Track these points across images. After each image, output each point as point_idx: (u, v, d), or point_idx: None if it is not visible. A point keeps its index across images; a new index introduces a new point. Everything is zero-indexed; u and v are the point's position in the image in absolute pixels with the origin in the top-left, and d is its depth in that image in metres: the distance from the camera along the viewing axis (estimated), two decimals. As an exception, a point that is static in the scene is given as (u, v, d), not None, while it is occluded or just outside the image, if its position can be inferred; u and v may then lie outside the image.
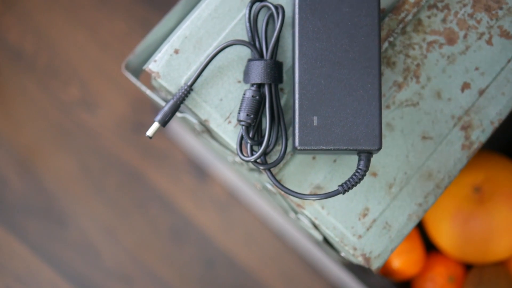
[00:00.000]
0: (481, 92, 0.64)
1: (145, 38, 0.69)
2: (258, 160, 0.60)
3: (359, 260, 0.63)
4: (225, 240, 1.20)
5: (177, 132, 1.18)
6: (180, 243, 1.19)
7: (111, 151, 1.19)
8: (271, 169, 0.60)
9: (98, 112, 1.19)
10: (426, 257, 0.83)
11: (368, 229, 0.63)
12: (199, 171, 1.21)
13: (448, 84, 0.64)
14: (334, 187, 0.62)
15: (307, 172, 0.62)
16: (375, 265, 0.63)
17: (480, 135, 0.64)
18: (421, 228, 0.85)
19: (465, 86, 0.64)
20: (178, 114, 0.65)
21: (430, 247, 0.86)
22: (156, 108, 1.08)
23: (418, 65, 0.64)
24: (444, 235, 0.79)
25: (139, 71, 0.70)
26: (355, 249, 0.63)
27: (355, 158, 0.63)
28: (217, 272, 1.20)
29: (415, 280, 0.84)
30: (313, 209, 0.63)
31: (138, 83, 0.67)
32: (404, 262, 0.80)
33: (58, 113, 1.18)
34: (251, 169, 0.70)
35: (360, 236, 0.63)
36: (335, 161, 0.63)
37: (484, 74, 0.64)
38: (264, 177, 0.66)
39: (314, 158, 0.63)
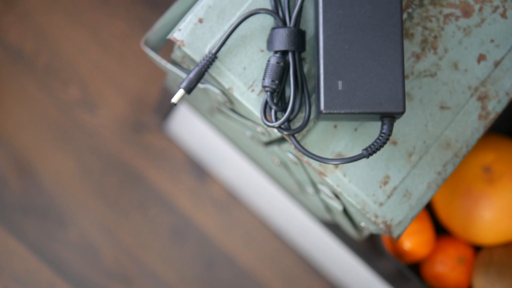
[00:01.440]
0: (497, 64, 0.66)
1: (163, 16, 0.70)
2: (283, 126, 0.61)
3: (380, 228, 0.64)
4: (225, 240, 1.21)
5: (177, 132, 1.19)
6: (180, 243, 1.19)
7: (111, 151, 1.19)
8: (295, 136, 0.61)
9: (98, 112, 1.19)
10: (436, 239, 0.84)
11: (389, 197, 0.64)
12: (199, 171, 1.21)
13: (465, 55, 0.65)
14: (355, 153, 0.63)
15: (329, 140, 0.63)
16: (396, 232, 0.64)
17: (496, 106, 0.66)
18: (430, 210, 0.86)
19: (481, 57, 0.66)
20: (200, 85, 0.65)
21: (439, 231, 0.87)
22: (160, 103, 1.09)
23: (435, 37, 0.65)
24: (454, 216, 0.80)
25: (157, 48, 0.71)
26: (376, 216, 0.64)
27: (375, 127, 0.64)
28: (217, 272, 1.20)
29: (424, 263, 0.84)
30: (335, 177, 0.63)
31: (158, 58, 0.68)
32: (415, 243, 0.81)
33: (58, 113, 1.18)
34: (269, 144, 0.70)
35: (381, 204, 0.64)
36: (356, 129, 0.64)
37: (499, 46, 0.66)
38: (284, 149, 0.66)
39: (335, 126, 0.63)
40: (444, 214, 0.82)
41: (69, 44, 1.20)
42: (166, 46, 0.75)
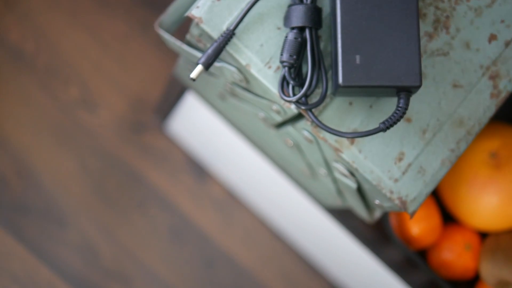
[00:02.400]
0: (507, 44, 0.67)
1: (177, -1, 0.71)
2: (300, 101, 0.61)
3: (395, 204, 0.64)
4: (224, 240, 1.21)
5: (176, 132, 1.19)
6: (179, 243, 1.19)
7: (111, 151, 1.19)
8: (312, 110, 0.62)
9: (98, 112, 1.20)
10: (442, 226, 0.84)
11: (403, 173, 0.65)
12: (199, 171, 1.21)
13: (476, 35, 0.67)
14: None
15: (344, 117, 0.64)
16: (411, 208, 0.64)
17: (507, 85, 0.67)
18: (436, 198, 0.87)
19: (492, 37, 0.67)
20: (216, 64, 0.66)
21: (445, 219, 0.88)
22: (160, 103, 1.09)
23: (447, 17, 0.66)
24: (460, 202, 0.81)
25: (171, 31, 0.72)
26: (391, 192, 0.64)
27: (390, 104, 0.65)
28: (216, 271, 1.20)
29: (431, 250, 0.85)
30: (350, 153, 0.64)
31: (173, 39, 0.68)
32: (423, 229, 0.81)
33: (58, 113, 1.18)
34: (282, 125, 0.71)
35: (396, 180, 0.64)
36: (371, 106, 0.65)
37: (509, 27, 0.67)
38: (299, 128, 0.67)
39: (350, 103, 0.64)
40: (451, 200, 0.82)
41: (69, 45, 1.20)
42: (178, 31, 0.76)
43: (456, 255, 0.83)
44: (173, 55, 1.21)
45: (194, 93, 0.87)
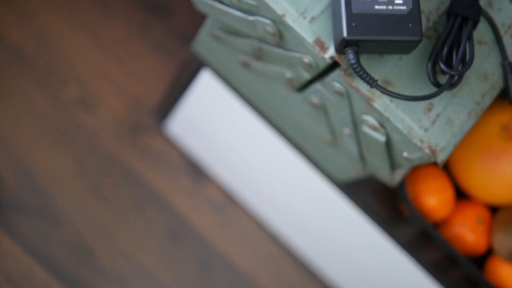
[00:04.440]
0: (527, 5, 0.70)
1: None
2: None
3: (426, 153, 0.66)
4: (221, 242, 1.20)
5: (174, 133, 1.19)
6: (176, 245, 1.19)
7: (108, 152, 1.19)
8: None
9: (96, 113, 1.20)
10: (455, 200, 0.86)
11: (433, 123, 0.66)
12: (196, 173, 1.21)
13: (498, -5, 0.70)
14: (402, 82, 0.66)
15: (376, 67, 0.66)
16: (440, 157, 0.66)
17: (528, 43, 0.70)
18: (449, 174, 0.89)
19: (513, -2, 0.70)
20: (249, 17, 0.67)
21: (457, 196, 0.89)
22: (159, 103, 1.10)
23: (471, -23, 0.69)
24: (473, 175, 0.83)
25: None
26: (422, 141, 0.66)
27: (418, 57, 0.67)
28: (213, 273, 1.19)
29: (443, 225, 0.86)
30: (382, 102, 0.66)
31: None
32: (438, 201, 0.83)
33: (57, 112, 1.18)
34: (307, 85, 0.73)
35: (426, 129, 0.66)
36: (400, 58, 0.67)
37: (529, -11, 0.70)
38: (328, 82, 0.69)
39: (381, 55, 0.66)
40: (464, 174, 0.84)
41: (68, 45, 1.21)
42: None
43: (468, 229, 0.84)
44: (173, 57, 1.23)
45: (212, 69, 0.88)
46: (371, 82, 0.63)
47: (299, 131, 0.85)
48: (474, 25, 0.66)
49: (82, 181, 1.17)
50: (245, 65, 0.79)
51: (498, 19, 0.69)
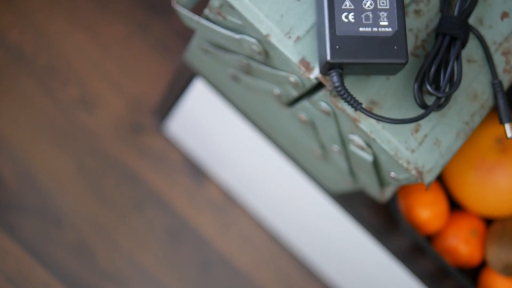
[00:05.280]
0: (519, 21, 0.69)
1: (193, -24, 0.72)
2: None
3: (412, 174, 0.65)
4: (221, 242, 1.20)
5: (175, 133, 1.19)
6: (176, 245, 1.19)
7: (108, 152, 1.19)
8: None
9: (96, 113, 1.20)
10: (449, 212, 0.85)
11: (420, 144, 0.65)
12: (196, 173, 1.21)
13: (489, 12, 0.68)
14: (388, 102, 0.65)
15: (362, 87, 0.65)
16: (427, 179, 0.65)
17: (519, 61, 0.68)
18: (443, 185, 0.88)
19: (504, 15, 0.69)
20: (235, 36, 0.67)
21: (451, 207, 0.88)
22: (159, 104, 1.09)
23: (461, -6, 0.68)
24: (467, 187, 0.82)
25: (188, 7, 0.72)
26: (408, 162, 0.65)
27: (406, 77, 0.66)
28: (213, 273, 1.19)
29: (437, 237, 0.86)
30: (368, 123, 0.65)
31: (190, 14, 0.69)
32: (431, 214, 0.82)
33: (56, 112, 1.18)
34: (296, 101, 0.72)
35: (413, 150, 0.65)
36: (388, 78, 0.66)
37: (521, 5, 0.69)
38: (315, 100, 0.68)
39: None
40: (457, 186, 0.83)
41: (68, 45, 1.20)
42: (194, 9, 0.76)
43: (462, 241, 0.84)
44: (173, 56, 1.22)
45: (204, 79, 0.87)
46: (356, 105, 0.62)
47: (291, 142, 0.84)
48: (463, 45, 0.65)
49: (82, 181, 1.18)
50: (235, 78, 0.78)
51: (488, 36, 0.68)
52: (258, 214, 1.21)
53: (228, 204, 1.21)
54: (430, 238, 0.88)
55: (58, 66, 1.19)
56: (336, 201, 0.89)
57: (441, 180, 0.87)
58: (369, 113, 0.62)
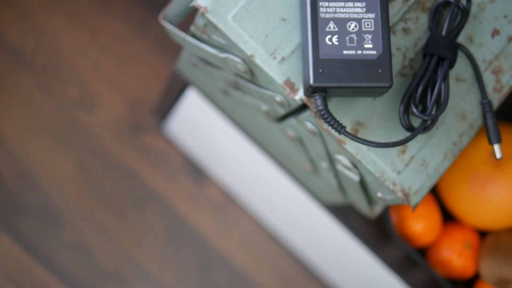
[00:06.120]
0: (510, 39, 0.67)
1: (181, -9, 0.71)
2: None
3: (398, 196, 0.64)
4: (221, 242, 1.20)
5: (175, 133, 1.19)
6: (176, 245, 1.19)
7: (108, 152, 1.19)
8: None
9: (96, 113, 1.20)
10: (442, 224, 0.84)
11: (406, 165, 0.65)
12: (196, 173, 1.21)
13: (479, 29, 0.67)
14: (374, 123, 0.64)
15: (347, 108, 0.64)
16: (413, 201, 0.64)
17: (509, 79, 0.67)
18: (436, 197, 0.87)
19: (495, 32, 0.67)
20: (220, 55, 0.66)
21: (445, 217, 0.88)
22: (159, 104, 1.09)
23: (451, 11, 0.67)
24: (461, 200, 0.81)
25: (175, 23, 0.72)
26: (394, 184, 0.64)
27: (393, 97, 0.65)
28: (213, 273, 1.19)
29: (430, 248, 0.85)
30: (354, 145, 0.64)
31: (176, 30, 0.68)
32: (424, 227, 0.81)
33: (56, 112, 1.18)
34: (284, 118, 0.71)
35: (399, 172, 0.64)
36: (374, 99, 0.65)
37: (512, 22, 0.67)
38: (302, 119, 0.67)
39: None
40: (451, 199, 0.83)
41: (68, 44, 1.20)
42: (182, 24, 0.76)
43: (455, 254, 0.83)
44: (173, 56, 1.21)
45: (196, 89, 0.87)
46: (339, 128, 0.61)
47: (282, 155, 0.84)
48: (451, 65, 0.64)
49: (81, 181, 1.18)
50: (225, 92, 0.77)
51: (478, 55, 0.67)
52: (258, 214, 1.21)
53: (228, 204, 1.21)
54: (424, 249, 0.87)
55: (58, 65, 1.19)
56: (329, 211, 0.88)
57: (434, 192, 0.86)
58: (353, 136, 0.61)
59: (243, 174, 1.14)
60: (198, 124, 1.11)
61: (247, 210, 1.21)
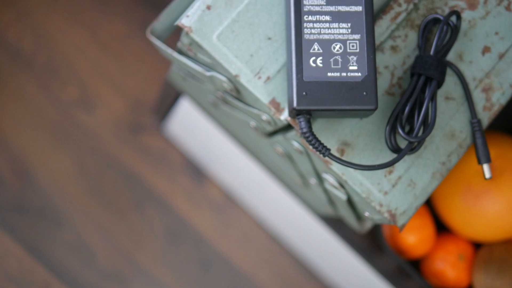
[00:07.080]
0: (501, 56, 0.66)
1: (169, 5, 0.71)
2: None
3: (385, 217, 0.64)
4: (221, 242, 1.20)
5: (175, 133, 1.19)
6: (176, 245, 1.19)
7: (108, 152, 1.19)
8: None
9: (96, 113, 1.19)
10: (436, 236, 0.84)
11: (393, 186, 0.64)
12: (196, 173, 1.21)
13: (469, 47, 0.66)
14: (361, 143, 0.63)
15: (335, 128, 0.64)
16: (400, 221, 0.64)
17: (500, 97, 0.66)
18: (430, 207, 0.86)
19: (486, 49, 0.66)
20: (207, 73, 0.65)
21: (439, 228, 0.87)
22: (159, 104, 1.09)
23: (441, 28, 0.65)
24: (455, 212, 0.81)
25: (163, 38, 0.71)
26: (381, 205, 0.64)
27: (380, 117, 0.64)
28: (213, 273, 1.19)
29: (424, 260, 0.85)
30: (340, 165, 0.63)
31: (163, 46, 0.68)
32: (417, 239, 0.81)
33: (56, 112, 1.18)
34: (273, 134, 0.71)
35: (386, 193, 0.64)
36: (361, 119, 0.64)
37: (503, 39, 0.66)
38: (289, 138, 0.67)
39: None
40: (445, 210, 0.82)
41: (68, 44, 1.20)
42: (171, 38, 0.75)
43: (449, 265, 0.82)
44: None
45: (189, 99, 0.86)
46: (324, 151, 0.60)
47: (273, 166, 0.83)
48: (439, 85, 0.63)
49: (81, 181, 1.18)
50: (215, 105, 0.77)
51: (468, 72, 0.66)
52: (258, 214, 1.21)
53: (228, 204, 1.21)
54: (418, 260, 0.86)
55: (58, 65, 1.19)
56: (322, 221, 0.88)
57: (429, 203, 0.86)
58: (337, 159, 0.60)
59: (243, 174, 1.13)
60: (198, 124, 1.11)
61: (247, 210, 1.21)
